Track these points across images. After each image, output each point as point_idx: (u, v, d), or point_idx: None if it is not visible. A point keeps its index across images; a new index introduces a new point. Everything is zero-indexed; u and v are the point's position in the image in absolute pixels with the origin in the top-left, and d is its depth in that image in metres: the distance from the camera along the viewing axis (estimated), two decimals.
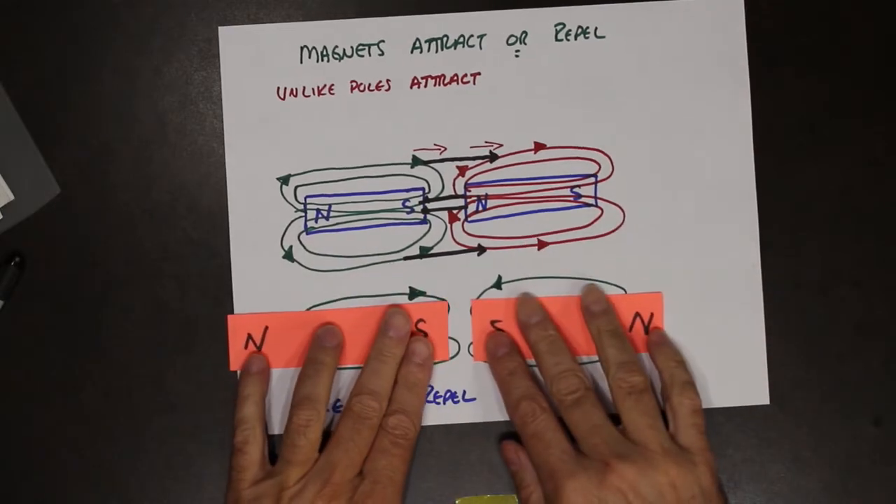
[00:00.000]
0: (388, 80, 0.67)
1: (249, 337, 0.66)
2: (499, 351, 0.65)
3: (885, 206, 0.67)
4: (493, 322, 0.66)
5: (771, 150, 0.67)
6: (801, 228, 0.67)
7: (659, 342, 0.65)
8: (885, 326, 0.67)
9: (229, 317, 0.66)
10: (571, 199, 0.67)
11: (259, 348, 0.66)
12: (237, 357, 0.66)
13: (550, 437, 0.62)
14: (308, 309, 0.66)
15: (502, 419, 0.66)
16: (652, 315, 0.66)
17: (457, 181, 0.67)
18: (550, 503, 0.61)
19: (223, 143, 0.67)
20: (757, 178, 0.67)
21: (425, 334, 0.66)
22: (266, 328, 0.66)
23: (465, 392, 0.66)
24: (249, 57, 0.67)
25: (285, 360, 0.66)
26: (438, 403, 0.66)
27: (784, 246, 0.67)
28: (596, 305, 0.65)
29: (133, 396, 0.66)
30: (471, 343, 0.66)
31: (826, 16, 0.67)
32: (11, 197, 0.66)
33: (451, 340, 0.66)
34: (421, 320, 0.66)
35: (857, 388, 0.66)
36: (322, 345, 0.65)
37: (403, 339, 0.65)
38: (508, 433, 0.66)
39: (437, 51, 0.67)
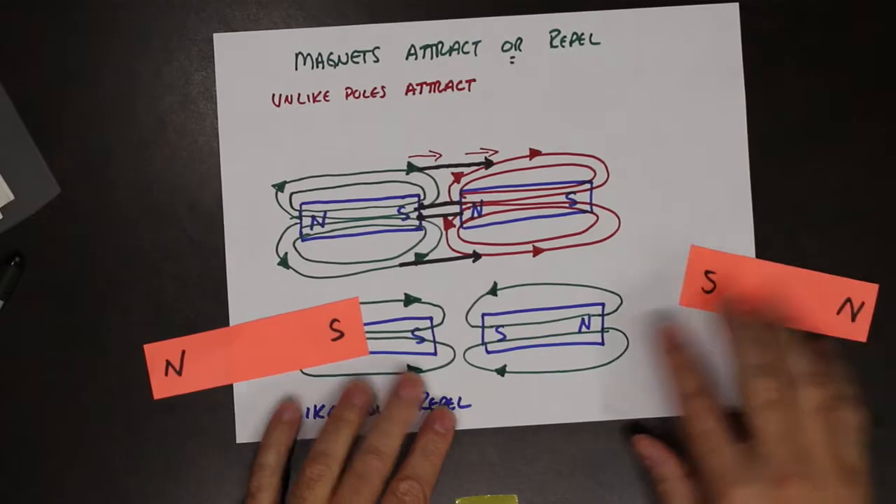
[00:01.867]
0: (383, 87, 0.67)
1: (168, 363, 0.66)
2: (670, 342, 0.65)
3: (885, 206, 0.67)
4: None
5: (770, 150, 0.67)
6: (800, 229, 0.67)
7: (831, 356, 0.64)
8: (885, 326, 0.67)
9: (146, 346, 0.66)
10: (567, 205, 0.67)
11: (179, 373, 0.66)
12: (159, 385, 0.66)
13: (720, 440, 0.60)
14: None
15: (496, 426, 0.66)
16: None
17: (452, 188, 0.67)
18: None
19: None
20: (756, 178, 0.67)
21: (341, 334, 0.66)
22: (183, 352, 0.66)
23: (460, 399, 0.66)
24: (244, 63, 0.67)
25: (206, 381, 0.66)
26: (433, 410, 0.66)
27: (784, 246, 0.67)
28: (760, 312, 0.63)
29: (133, 396, 0.66)
30: (466, 349, 0.66)
31: (826, 16, 0.67)
32: (11, 197, 0.66)
33: (447, 347, 0.66)
34: (335, 320, 0.66)
35: (857, 388, 0.66)
36: (350, 402, 0.64)
37: (415, 403, 0.65)
38: (507, 435, 0.66)
39: (432, 57, 0.67)
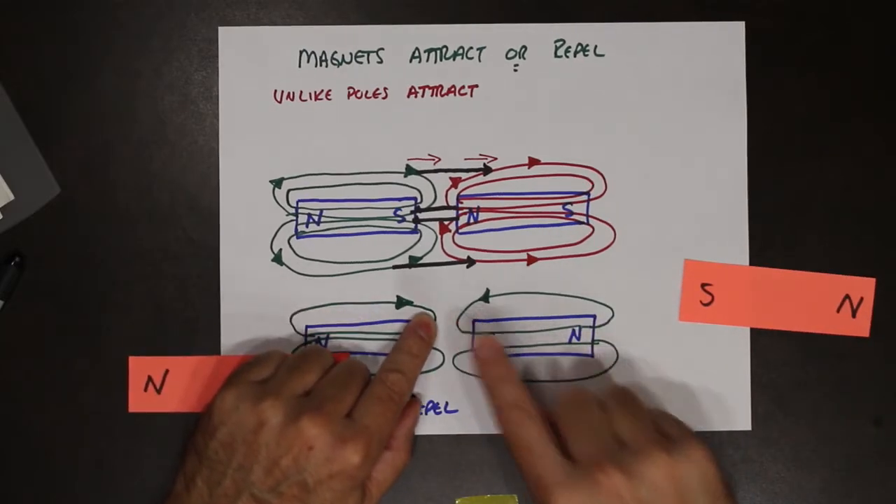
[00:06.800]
0: (385, 88, 0.67)
1: (150, 379, 0.66)
2: (487, 356, 0.64)
3: (885, 206, 0.67)
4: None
5: (770, 151, 0.67)
6: (800, 229, 0.67)
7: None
8: (885, 326, 0.67)
9: (131, 358, 0.66)
10: (563, 215, 0.67)
11: (158, 391, 0.66)
12: (136, 400, 0.66)
13: (537, 446, 0.60)
14: (293, 313, 0.66)
15: (481, 432, 0.66)
16: None
17: (449, 192, 0.67)
18: None
19: None
20: (756, 178, 0.67)
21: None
22: (167, 371, 0.66)
23: (447, 404, 0.66)
24: (248, 58, 0.67)
25: (183, 404, 0.66)
26: (420, 413, 0.66)
27: (783, 246, 0.67)
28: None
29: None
30: (456, 355, 0.66)
31: (826, 16, 0.67)
32: (11, 197, 0.66)
33: (436, 351, 0.66)
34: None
35: (857, 388, 0.66)
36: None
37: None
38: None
39: (435, 61, 0.67)
